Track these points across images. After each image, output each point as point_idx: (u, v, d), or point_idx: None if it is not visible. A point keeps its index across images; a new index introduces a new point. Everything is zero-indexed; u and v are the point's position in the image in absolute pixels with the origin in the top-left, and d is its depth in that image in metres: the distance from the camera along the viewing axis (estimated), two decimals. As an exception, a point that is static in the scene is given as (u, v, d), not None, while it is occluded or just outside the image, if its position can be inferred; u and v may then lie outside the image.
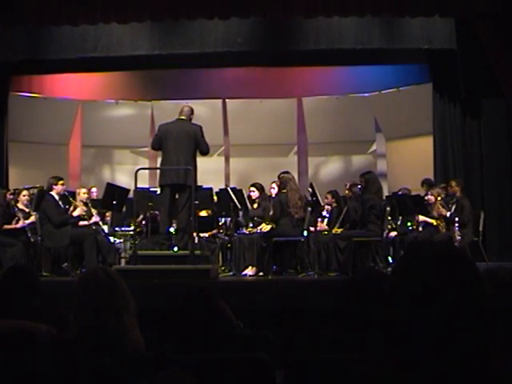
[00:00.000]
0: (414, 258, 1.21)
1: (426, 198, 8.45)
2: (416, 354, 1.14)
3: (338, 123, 11.56)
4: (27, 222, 8.12)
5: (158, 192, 7.88)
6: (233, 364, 2.38)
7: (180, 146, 7.24)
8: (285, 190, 8.08)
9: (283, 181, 8.15)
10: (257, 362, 2.37)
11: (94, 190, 9.84)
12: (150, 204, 8.50)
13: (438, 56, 9.49)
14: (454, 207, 8.15)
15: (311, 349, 2.60)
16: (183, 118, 7.46)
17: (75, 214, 8.15)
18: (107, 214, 9.23)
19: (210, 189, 8.92)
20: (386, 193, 9.46)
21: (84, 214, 8.23)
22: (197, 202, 7.59)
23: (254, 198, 8.90)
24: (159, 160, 7.83)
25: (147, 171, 11.00)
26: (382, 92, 11.22)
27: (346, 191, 8.90)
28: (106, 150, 12.03)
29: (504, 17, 8.07)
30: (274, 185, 8.78)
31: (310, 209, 8.16)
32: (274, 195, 8.66)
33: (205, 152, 7.41)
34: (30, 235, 8.09)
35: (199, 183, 8.05)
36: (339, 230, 8.41)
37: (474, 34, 8.39)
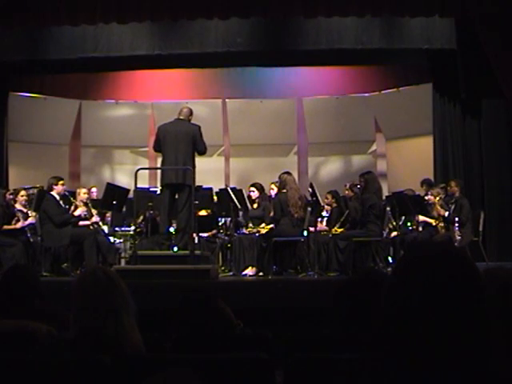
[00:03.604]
0: (413, 258, 1.21)
1: (425, 197, 8.44)
2: (415, 354, 1.14)
3: (338, 123, 11.55)
4: (27, 222, 8.12)
5: (158, 192, 7.86)
6: (233, 364, 2.38)
7: (178, 145, 7.23)
8: (285, 190, 8.09)
9: (283, 180, 8.15)
10: (257, 362, 2.36)
11: (94, 190, 9.84)
12: (150, 204, 8.51)
13: (438, 56, 9.49)
14: (452, 207, 8.15)
15: (311, 349, 2.59)
16: (181, 118, 7.46)
17: (76, 213, 8.15)
18: (107, 213, 9.23)
19: (210, 189, 8.92)
20: (385, 193, 9.46)
21: (85, 213, 8.23)
22: (197, 202, 7.59)
23: (253, 198, 8.91)
24: (159, 160, 7.84)
25: (147, 171, 11.02)
26: (382, 92, 11.22)
27: (346, 191, 8.89)
28: (106, 150, 12.03)
29: (504, 17, 8.07)
30: (273, 185, 8.79)
31: (309, 209, 8.16)
32: (273, 195, 8.66)
33: (202, 152, 7.38)
34: (29, 235, 8.09)
35: (199, 183, 8.05)
36: (339, 230, 8.41)
37: (473, 33, 8.39)
